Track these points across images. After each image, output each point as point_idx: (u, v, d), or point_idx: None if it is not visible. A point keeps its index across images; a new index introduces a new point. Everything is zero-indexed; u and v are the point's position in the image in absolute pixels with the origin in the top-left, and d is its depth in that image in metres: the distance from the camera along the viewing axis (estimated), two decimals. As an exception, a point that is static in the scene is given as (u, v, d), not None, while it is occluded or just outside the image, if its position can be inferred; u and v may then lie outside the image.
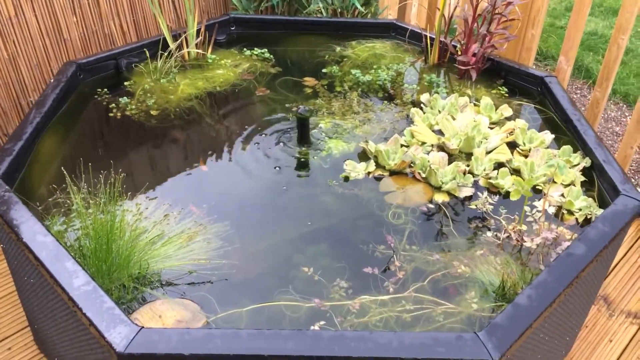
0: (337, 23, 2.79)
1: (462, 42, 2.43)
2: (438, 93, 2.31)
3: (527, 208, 1.72)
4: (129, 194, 1.73)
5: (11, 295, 2.17)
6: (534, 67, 2.73)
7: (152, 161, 1.92)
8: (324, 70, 2.47)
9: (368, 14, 3.16)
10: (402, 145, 1.98)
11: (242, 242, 1.60)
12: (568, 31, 2.73)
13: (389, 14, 3.48)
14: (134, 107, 2.17)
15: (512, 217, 1.70)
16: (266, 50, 2.60)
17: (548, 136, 2.01)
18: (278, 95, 2.30)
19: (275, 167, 1.91)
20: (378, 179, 1.86)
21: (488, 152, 1.97)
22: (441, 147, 1.98)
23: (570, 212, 1.72)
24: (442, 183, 1.80)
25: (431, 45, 2.52)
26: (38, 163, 1.83)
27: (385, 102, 2.27)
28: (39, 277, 1.44)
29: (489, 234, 1.65)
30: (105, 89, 2.26)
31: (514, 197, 1.74)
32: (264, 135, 2.06)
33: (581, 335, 2.12)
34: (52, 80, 2.11)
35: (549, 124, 2.14)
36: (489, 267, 1.54)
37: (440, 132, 2.07)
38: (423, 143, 2.00)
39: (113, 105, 2.17)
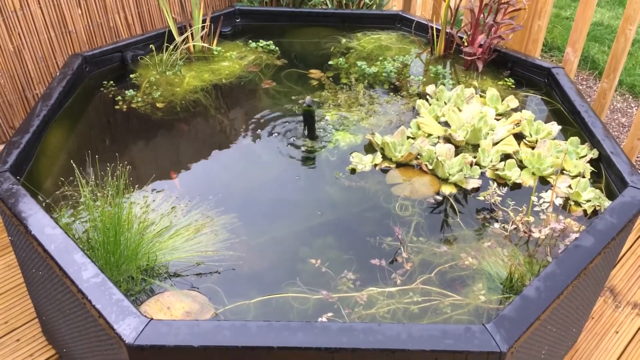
0: (342, 15, 2.78)
1: (469, 33, 2.41)
2: (444, 84, 2.30)
3: (534, 199, 1.72)
4: (136, 186, 1.74)
5: (19, 287, 2.18)
6: (540, 58, 2.72)
7: (158, 153, 1.93)
8: (329, 62, 2.46)
9: (373, 5, 3.15)
10: (408, 137, 1.98)
11: (249, 234, 1.60)
12: (575, 22, 2.72)
13: (394, 5, 3.47)
14: (140, 99, 2.16)
15: (520, 209, 1.69)
16: (271, 42, 2.59)
17: (555, 127, 2.01)
18: (284, 87, 2.30)
19: (281, 160, 1.91)
20: (385, 171, 1.86)
21: (495, 144, 1.97)
22: (447, 139, 1.98)
23: (578, 204, 1.72)
24: (449, 175, 1.80)
25: (437, 36, 2.51)
26: (45, 156, 1.83)
27: (391, 94, 2.27)
28: (48, 269, 1.45)
29: (496, 225, 1.65)
30: (111, 82, 2.26)
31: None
32: (269, 127, 2.06)
33: (587, 326, 2.12)
34: (58, 73, 2.11)
35: (556, 116, 2.13)
36: (497, 259, 1.54)
37: (446, 124, 2.06)
38: (429, 135, 1.99)
39: (119, 97, 2.17)
